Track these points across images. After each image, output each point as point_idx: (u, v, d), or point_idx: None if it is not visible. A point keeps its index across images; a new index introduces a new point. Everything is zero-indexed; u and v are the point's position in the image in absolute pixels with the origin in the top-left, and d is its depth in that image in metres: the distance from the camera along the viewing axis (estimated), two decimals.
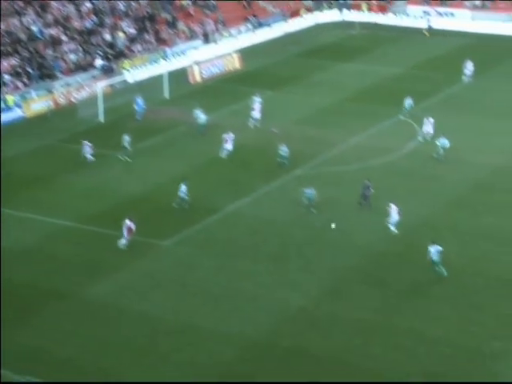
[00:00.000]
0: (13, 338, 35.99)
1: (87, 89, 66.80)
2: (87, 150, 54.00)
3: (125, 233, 42.82)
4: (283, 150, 53.08)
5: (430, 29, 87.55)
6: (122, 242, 43.01)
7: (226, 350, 35.49)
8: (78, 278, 40.73)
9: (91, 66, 70.52)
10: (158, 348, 35.77)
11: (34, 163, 54.32)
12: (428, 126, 56.72)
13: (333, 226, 45.00)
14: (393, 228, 44.23)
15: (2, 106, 62.28)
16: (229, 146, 54.18)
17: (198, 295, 39.55)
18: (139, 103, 62.95)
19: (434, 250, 40.24)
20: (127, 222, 42.74)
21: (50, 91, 65.77)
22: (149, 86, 67.26)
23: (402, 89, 68.11)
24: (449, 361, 34.75)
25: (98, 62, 70.83)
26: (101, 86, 64.25)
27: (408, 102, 61.94)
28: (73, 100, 65.78)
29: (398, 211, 43.86)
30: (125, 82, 70.08)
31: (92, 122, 61.77)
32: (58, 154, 55.92)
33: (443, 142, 53.73)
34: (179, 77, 70.27)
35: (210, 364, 34.71)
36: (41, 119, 63.16)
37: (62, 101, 65.78)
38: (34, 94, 65.02)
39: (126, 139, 54.78)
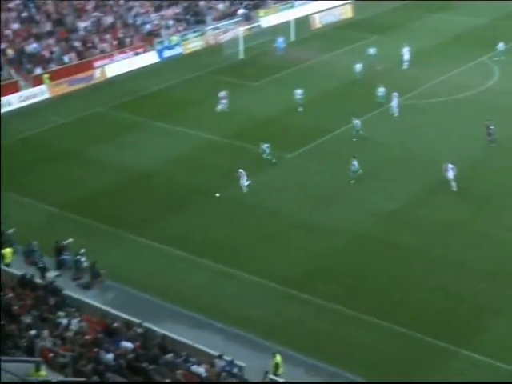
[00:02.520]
0: (174, 223, 36.81)
1: (231, 32, 66.36)
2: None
3: None
4: (380, 90, 50.60)
5: None
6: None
7: (337, 241, 35.56)
8: (219, 181, 41.08)
9: (235, 14, 69.99)
10: (283, 236, 36.07)
11: (188, 89, 54.67)
12: None
13: (217, 195, 39.49)
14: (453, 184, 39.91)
15: (167, 44, 62.76)
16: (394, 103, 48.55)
17: (314, 197, 39.52)
18: (280, 42, 62.22)
19: (355, 163, 40.29)
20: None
21: (202, 33, 65.74)
22: (279, 30, 66.27)
23: (486, 35, 65.29)
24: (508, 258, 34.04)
25: (240, 11, 70.29)
26: (241, 29, 63.85)
27: (500, 45, 59.20)
28: (220, 41, 65.51)
29: (452, 168, 39.71)
30: (260, 26, 69.48)
31: (234, 59, 61.37)
32: (207, 83, 56.03)
33: None
34: (302, 23, 68.85)
35: (323, 250, 34.86)
36: (195, 55, 63.15)
37: (211, 41, 65.66)
38: (190, 35, 65.12)
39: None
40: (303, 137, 45.93)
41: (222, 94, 50.57)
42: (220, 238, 35.82)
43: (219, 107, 50.19)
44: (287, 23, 66.93)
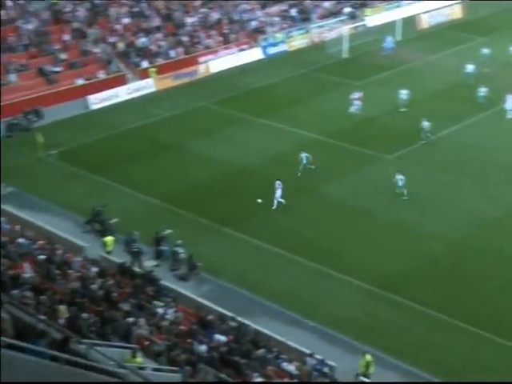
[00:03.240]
0: (271, 220, 37.08)
1: (336, 30, 66.05)
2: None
3: None
4: (482, 90, 49.74)
5: None
6: None
7: (434, 245, 34.97)
8: (318, 179, 41.03)
9: (340, 12, 69.68)
10: (378, 238, 35.72)
11: (292, 86, 54.82)
12: None
13: (259, 200, 38.08)
14: None
15: (272, 41, 63.07)
16: None
17: (412, 199, 38.90)
18: (388, 41, 61.70)
19: (399, 178, 38.50)
20: None
21: (307, 31, 65.77)
22: (384, 30, 65.56)
23: None
24: None
25: (346, 10, 69.95)
26: (346, 28, 63.41)
27: None
28: (324, 39, 65.32)
29: None
30: (365, 26, 68.88)
31: (338, 57, 61.06)
32: (311, 81, 56.04)
33: None
34: (408, 23, 67.78)
35: (420, 253, 34.37)
36: (299, 53, 63.18)
37: (315, 39, 65.58)
38: (295, 33, 65.23)
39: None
40: (404, 138, 45.38)
41: (356, 95, 49.48)
42: (315, 237, 35.80)
43: (352, 109, 49.27)
44: (393, 23, 66.12)
